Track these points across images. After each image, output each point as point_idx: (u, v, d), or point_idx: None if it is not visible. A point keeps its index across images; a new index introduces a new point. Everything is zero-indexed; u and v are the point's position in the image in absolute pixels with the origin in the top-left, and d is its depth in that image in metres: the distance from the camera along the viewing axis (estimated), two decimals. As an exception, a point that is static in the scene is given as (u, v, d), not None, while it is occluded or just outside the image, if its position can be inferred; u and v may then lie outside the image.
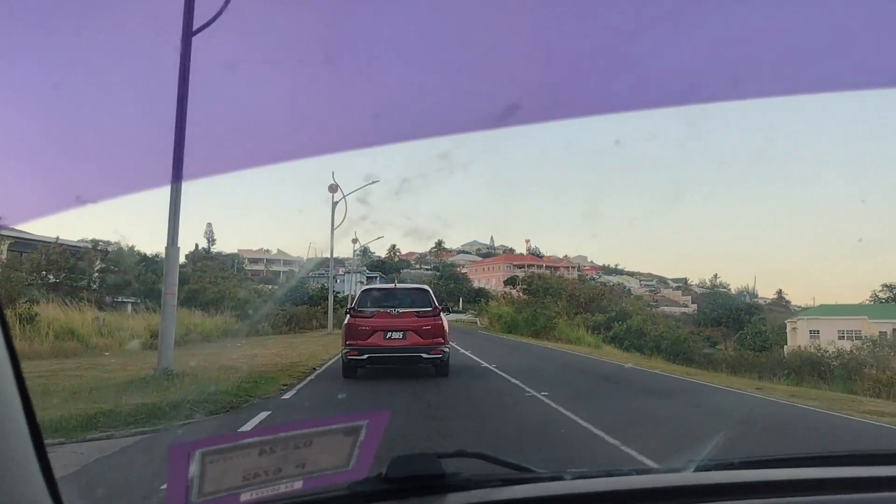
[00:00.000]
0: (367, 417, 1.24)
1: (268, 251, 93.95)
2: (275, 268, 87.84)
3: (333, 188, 36.15)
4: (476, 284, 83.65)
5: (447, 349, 11.88)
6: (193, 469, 1.08)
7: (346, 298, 65.16)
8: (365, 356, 11.42)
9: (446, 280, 79.96)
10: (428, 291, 12.48)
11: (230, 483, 1.13)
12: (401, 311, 11.72)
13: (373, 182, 40.53)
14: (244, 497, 1.14)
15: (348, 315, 11.93)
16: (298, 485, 1.18)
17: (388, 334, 11.49)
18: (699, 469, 1.55)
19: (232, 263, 67.40)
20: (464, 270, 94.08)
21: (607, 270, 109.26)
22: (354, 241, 50.16)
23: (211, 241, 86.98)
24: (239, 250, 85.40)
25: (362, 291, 12.75)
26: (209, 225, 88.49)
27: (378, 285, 14.25)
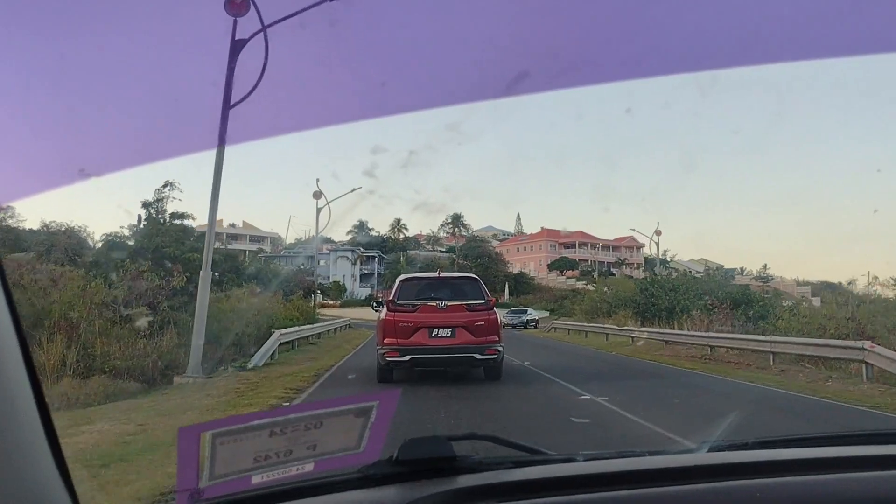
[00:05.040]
0: (377, 398, 1.22)
1: (233, 225, 72.53)
2: (236, 245, 65.12)
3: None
4: (509, 269, 69.04)
5: (501, 348, 10.66)
6: (204, 451, 1.07)
7: (335, 284, 59.14)
8: (407, 357, 10.07)
9: (475, 259, 64.08)
10: (478, 281, 11.24)
11: (241, 465, 1.12)
12: (448, 304, 10.42)
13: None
14: (255, 479, 1.13)
15: (385, 309, 10.67)
16: (309, 467, 1.17)
17: (435, 332, 10.22)
18: (713, 449, 1.53)
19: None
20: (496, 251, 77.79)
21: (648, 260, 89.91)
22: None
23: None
24: (199, 225, 70.61)
25: (401, 281, 11.17)
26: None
27: (419, 274, 12.78)
